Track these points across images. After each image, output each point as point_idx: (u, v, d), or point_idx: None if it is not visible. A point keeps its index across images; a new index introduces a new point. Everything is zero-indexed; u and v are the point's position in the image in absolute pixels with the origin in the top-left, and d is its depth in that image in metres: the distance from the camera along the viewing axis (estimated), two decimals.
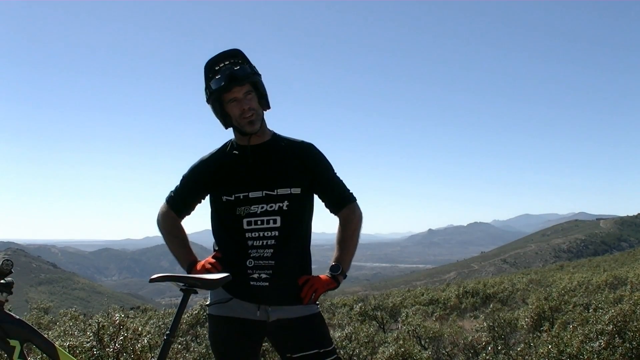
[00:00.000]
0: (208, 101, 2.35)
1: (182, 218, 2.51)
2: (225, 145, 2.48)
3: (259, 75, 2.36)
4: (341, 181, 2.51)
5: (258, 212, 2.32)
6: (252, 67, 2.35)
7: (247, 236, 2.32)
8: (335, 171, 2.51)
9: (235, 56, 2.34)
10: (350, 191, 2.52)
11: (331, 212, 2.52)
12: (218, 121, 2.41)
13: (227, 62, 2.32)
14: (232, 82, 2.27)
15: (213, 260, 2.35)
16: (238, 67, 2.30)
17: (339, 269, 2.37)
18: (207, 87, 2.33)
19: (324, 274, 2.38)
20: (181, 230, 2.51)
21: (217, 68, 2.31)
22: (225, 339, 2.33)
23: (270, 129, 2.48)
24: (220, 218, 2.42)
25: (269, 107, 2.41)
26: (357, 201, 2.54)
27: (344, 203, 2.49)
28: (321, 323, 2.38)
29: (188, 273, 2.35)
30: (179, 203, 2.49)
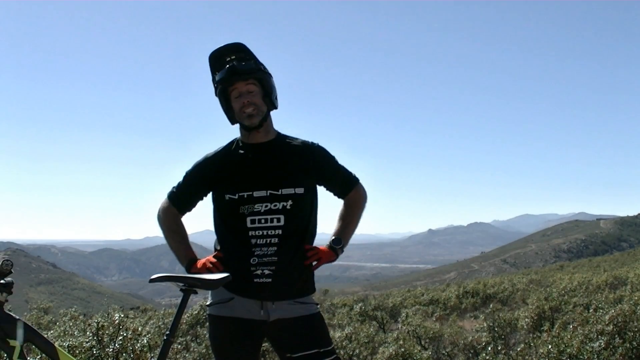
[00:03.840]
0: (216, 94, 2.39)
1: (183, 214, 2.51)
2: (230, 144, 2.48)
3: (267, 73, 2.38)
4: (343, 167, 2.53)
5: (262, 210, 2.32)
6: (258, 64, 2.37)
7: (250, 234, 2.32)
8: (337, 159, 2.52)
9: (240, 51, 2.37)
10: (353, 173, 2.55)
11: (338, 197, 2.55)
12: (221, 120, 2.43)
13: (233, 57, 2.35)
14: (233, 76, 2.30)
15: (214, 260, 2.34)
16: (243, 63, 2.32)
17: (341, 243, 2.42)
18: (213, 80, 2.38)
19: (323, 246, 2.41)
20: (181, 226, 2.50)
21: (222, 61, 2.35)
22: (226, 339, 2.32)
23: (275, 128, 2.48)
24: (222, 216, 2.41)
25: (274, 107, 2.42)
26: (360, 181, 2.57)
27: (350, 187, 2.53)
28: (321, 323, 2.38)
29: (187, 270, 2.34)
30: (180, 199, 2.48)
